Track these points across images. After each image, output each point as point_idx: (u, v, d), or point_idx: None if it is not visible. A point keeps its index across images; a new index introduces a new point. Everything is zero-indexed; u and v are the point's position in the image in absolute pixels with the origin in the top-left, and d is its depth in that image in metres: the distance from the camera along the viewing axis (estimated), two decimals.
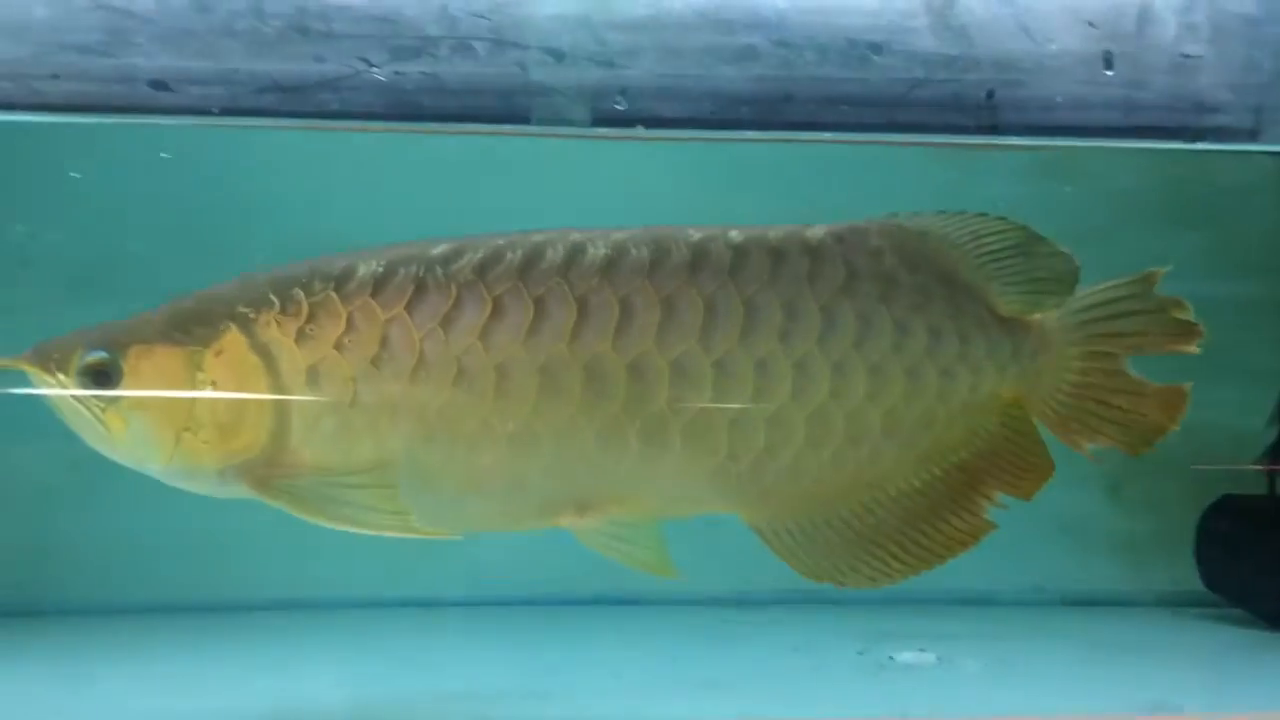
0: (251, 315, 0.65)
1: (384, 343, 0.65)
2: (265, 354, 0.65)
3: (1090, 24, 0.74)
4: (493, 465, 0.66)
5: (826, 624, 1.09)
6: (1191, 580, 1.13)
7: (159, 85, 0.68)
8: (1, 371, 0.66)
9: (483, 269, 0.65)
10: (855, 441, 0.68)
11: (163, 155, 0.84)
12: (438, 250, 0.66)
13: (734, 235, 0.67)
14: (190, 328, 0.65)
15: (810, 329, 0.66)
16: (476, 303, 0.65)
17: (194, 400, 0.65)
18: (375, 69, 0.69)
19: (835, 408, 0.67)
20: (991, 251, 0.69)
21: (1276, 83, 0.77)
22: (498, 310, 0.65)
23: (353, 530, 0.64)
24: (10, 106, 0.67)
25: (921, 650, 0.99)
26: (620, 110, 0.72)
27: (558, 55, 0.70)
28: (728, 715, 0.82)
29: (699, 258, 0.66)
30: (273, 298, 0.66)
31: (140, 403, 0.65)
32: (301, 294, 0.65)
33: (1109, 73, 0.75)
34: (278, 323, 0.65)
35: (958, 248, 0.69)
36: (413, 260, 0.66)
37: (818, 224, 0.68)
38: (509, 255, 0.65)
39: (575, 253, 0.66)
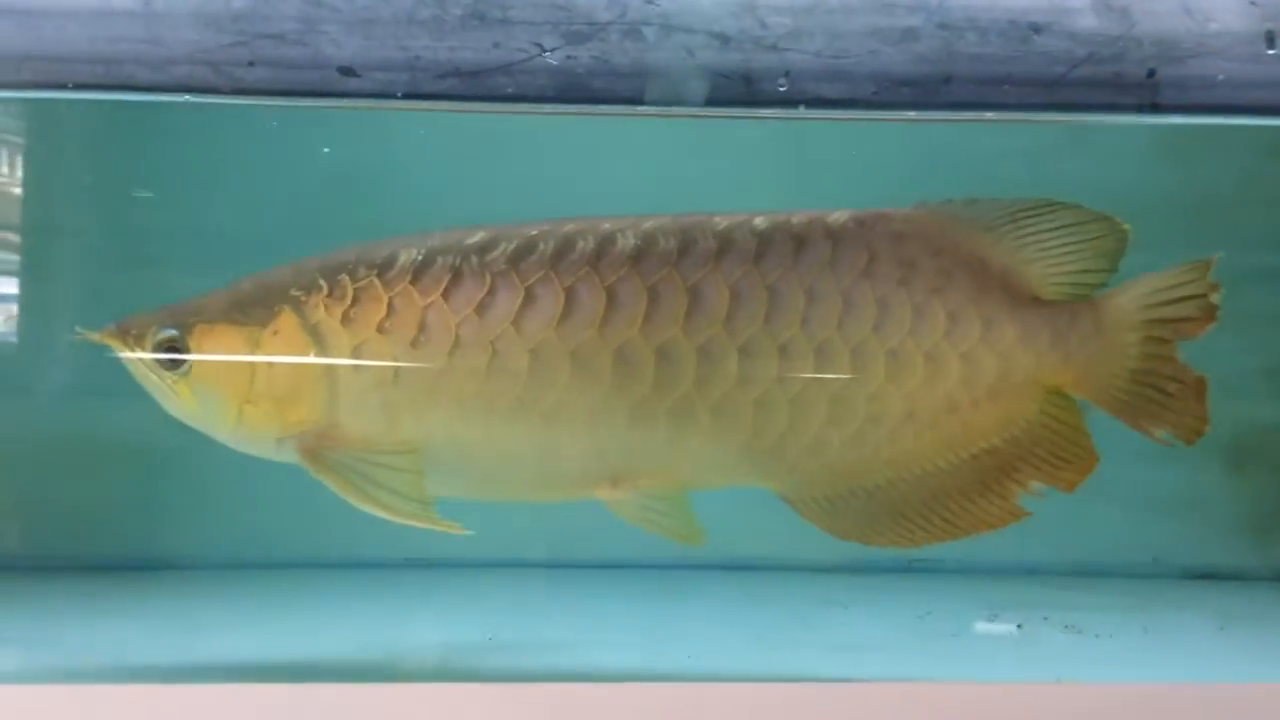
0: (303, 298, 0.71)
1: (422, 326, 0.69)
2: (315, 334, 0.71)
3: (1252, 3, 0.73)
4: (527, 441, 0.70)
5: (941, 592, 1.10)
6: None
7: (347, 71, 0.72)
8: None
9: (516, 258, 0.69)
10: (875, 421, 0.70)
11: (324, 150, 0.88)
12: (474, 240, 0.71)
13: (758, 223, 0.70)
14: (249, 309, 0.72)
15: (830, 313, 0.69)
16: (509, 290, 0.69)
17: (253, 375, 0.71)
18: (548, 54, 0.71)
19: (855, 389, 0.69)
20: (1034, 234, 0.70)
21: None
22: (530, 298, 0.69)
23: (376, 513, 0.69)
24: (211, 91, 0.72)
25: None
26: (782, 92, 0.74)
27: (723, 39, 0.72)
28: (872, 676, 0.84)
29: (724, 246, 0.69)
30: (322, 282, 0.71)
31: (205, 375, 0.71)
32: (347, 279, 0.71)
33: (1271, 51, 0.75)
34: (325, 306, 0.71)
35: (992, 231, 0.70)
36: (450, 249, 0.71)
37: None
38: (541, 245, 0.70)
39: (605, 243, 0.69)
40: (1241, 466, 1.14)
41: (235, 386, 0.71)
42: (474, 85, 0.72)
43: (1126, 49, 0.74)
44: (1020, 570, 1.15)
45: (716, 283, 0.68)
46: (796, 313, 0.68)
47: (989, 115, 0.76)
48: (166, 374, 0.71)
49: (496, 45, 0.72)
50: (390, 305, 0.70)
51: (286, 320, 0.71)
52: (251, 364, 0.71)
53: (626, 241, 0.70)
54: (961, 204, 0.70)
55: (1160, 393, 0.69)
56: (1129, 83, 0.75)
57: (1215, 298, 0.69)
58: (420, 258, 0.70)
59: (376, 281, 0.70)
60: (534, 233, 0.71)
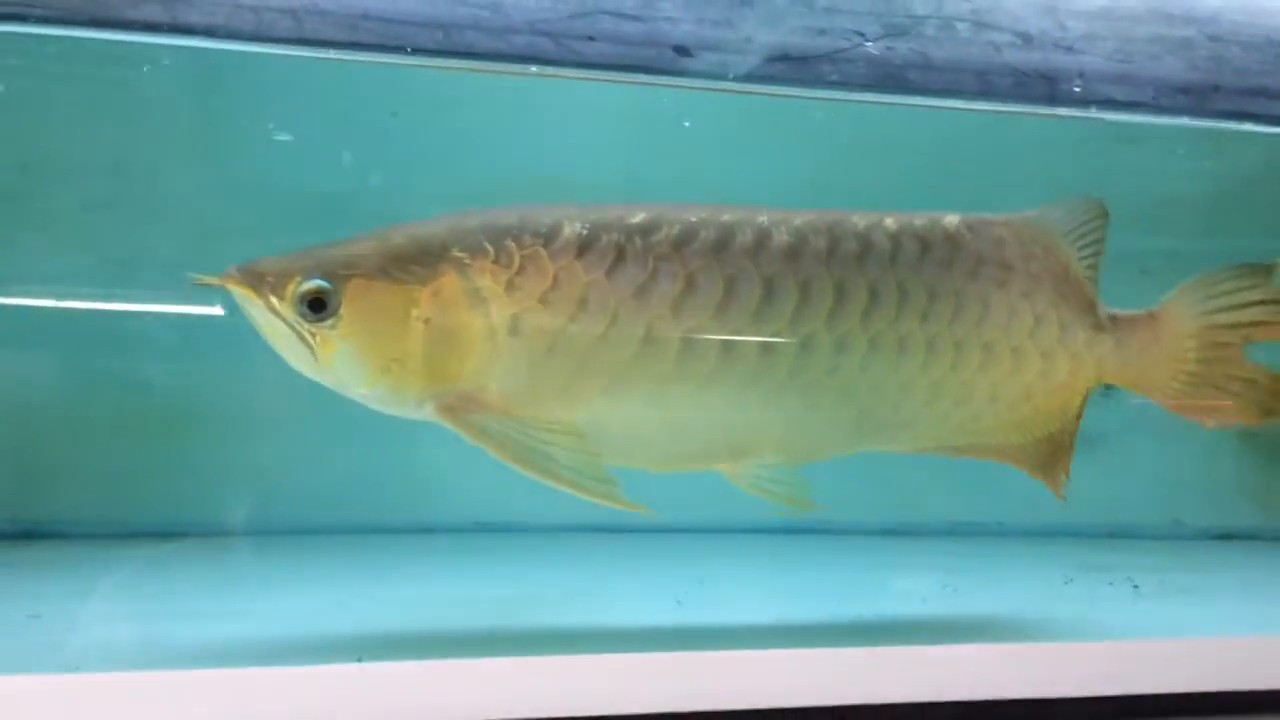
0: (467, 260, 0.69)
1: (583, 302, 0.69)
2: (476, 298, 0.69)
3: None
4: (663, 421, 0.72)
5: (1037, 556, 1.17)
6: None
7: (682, 51, 0.72)
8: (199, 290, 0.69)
9: (678, 244, 0.70)
10: (962, 403, 0.76)
11: (685, 124, 0.88)
12: (636, 220, 0.71)
13: (889, 224, 0.74)
14: (409, 266, 0.68)
15: (945, 311, 0.74)
16: (670, 277, 0.70)
17: (408, 334, 0.68)
18: (869, 44, 0.74)
19: (952, 377, 0.75)
20: (1093, 245, 0.77)
21: None
22: (690, 285, 0.70)
23: (550, 484, 0.69)
24: (548, 62, 0.71)
25: None
26: (1077, 92, 0.78)
27: (1026, 38, 0.76)
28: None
29: (864, 247, 0.73)
30: (487, 245, 0.69)
31: (355, 331, 0.67)
32: (514, 246, 0.69)
33: None
34: (491, 271, 0.69)
35: (1068, 240, 0.77)
36: (613, 227, 0.71)
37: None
38: (702, 234, 0.71)
39: (763, 237, 0.72)
40: (1250, 437, 1.28)
41: (388, 343, 0.68)
42: (800, 70, 0.74)
43: None
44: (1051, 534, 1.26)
45: (859, 283, 0.73)
46: (919, 311, 0.73)
47: (1246, 126, 0.82)
48: (309, 325, 0.67)
49: (821, 33, 0.74)
50: (555, 278, 0.69)
51: (449, 282, 0.68)
52: (408, 321, 0.68)
53: (781, 237, 0.72)
54: (1052, 208, 0.77)
55: (1221, 391, 0.76)
56: None
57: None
58: (585, 232, 0.70)
59: (543, 252, 0.69)
60: (694, 219, 0.71)
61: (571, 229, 0.70)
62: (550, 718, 0.66)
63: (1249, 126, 0.81)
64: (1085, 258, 0.77)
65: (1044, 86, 0.78)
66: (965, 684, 0.74)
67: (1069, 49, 0.77)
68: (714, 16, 0.72)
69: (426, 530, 1.14)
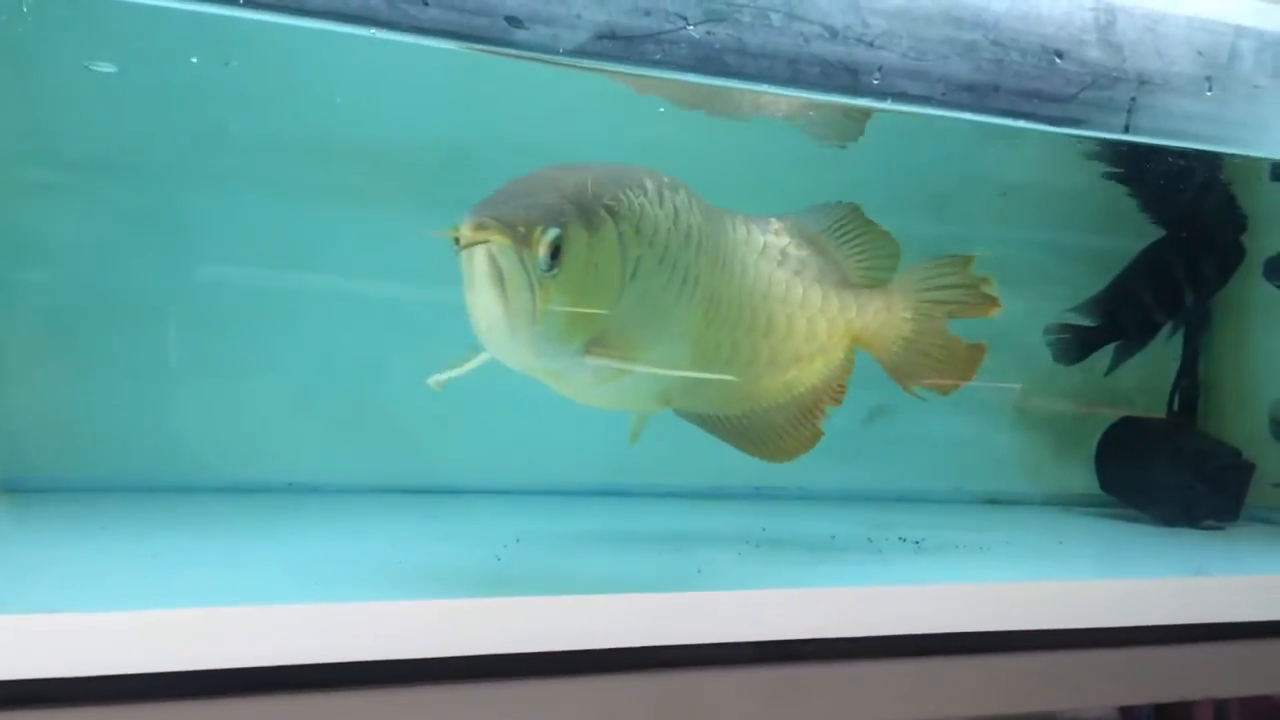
0: (616, 209, 0.74)
1: (667, 251, 0.78)
2: (623, 244, 0.75)
3: (1199, 52, 0.95)
4: (675, 361, 0.83)
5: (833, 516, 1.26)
6: (1078, 484, 1.43)
7: (514, 22, 0.75)
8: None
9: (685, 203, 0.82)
10: (751, 364, 0.90)
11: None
12: (654, 180, 0.80)
13: (740, 230, 0.90)
14: (590, 214, 0.72)
15: (748, 289, 0.88)
16: (698, 231, 0.83)
17: (598, 281, 0.72)
18: (690, 27, 0.79)
19: (746, 340, 0.89)
20: (846, 237, 0.93)
21: None
22: (702, 240, 0.82)
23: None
24: (381, 23, 0.72)
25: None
26: (876, 84, 0.85)
27: (832, 32, 0.83)
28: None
29: (733, 250, 0.88)
30: (621, 195, 0.75)
31: (569, 280, 0.69)
32: (632, 197, 0.76)
33: (1209, 93, 0.96)
34: (626, 218, 0.75)
35: (828, 233, 0.93)
36: (656, 184, 0.79)
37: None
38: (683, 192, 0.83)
39: (705, 237, 0.84)
40: (1022, 411, 1.47)
41: (588, 290, 0.71)
42: (626, 49, 0.78)
43: (1117, 79, 0.92)
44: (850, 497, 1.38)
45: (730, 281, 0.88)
46: (732, 283, 0.87)
47: (1020, 123, 0.91)
48: (541, 275, 0.67)
49: (646, 13, 0.78)
50: (656, 226, 0.77)
51: (610, 230, 0.73)
52: (595, 268, 0.71)
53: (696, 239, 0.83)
54: (816, 210, 0.94)
55: (925, 356, 0.93)
56: (1119, 107, 0.93)
57: (986, 289, 0.94)
58: (652, 186, 0.79)
59: (647, 202, 0.77)
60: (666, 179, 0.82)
61: (652, 182, 0.78)
62: (370, 660, 0.68)
63: (1022, 124, 0.90)
64: (843, 245, 0.94)
65: (847, 77, 0.84)
66: (767, 625, 0.80)
67: (870, 44, 0.84)
68: None
69: (244, 490, 1.13)
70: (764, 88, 0.83)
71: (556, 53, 0.77)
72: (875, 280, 0.94)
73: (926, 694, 0.87)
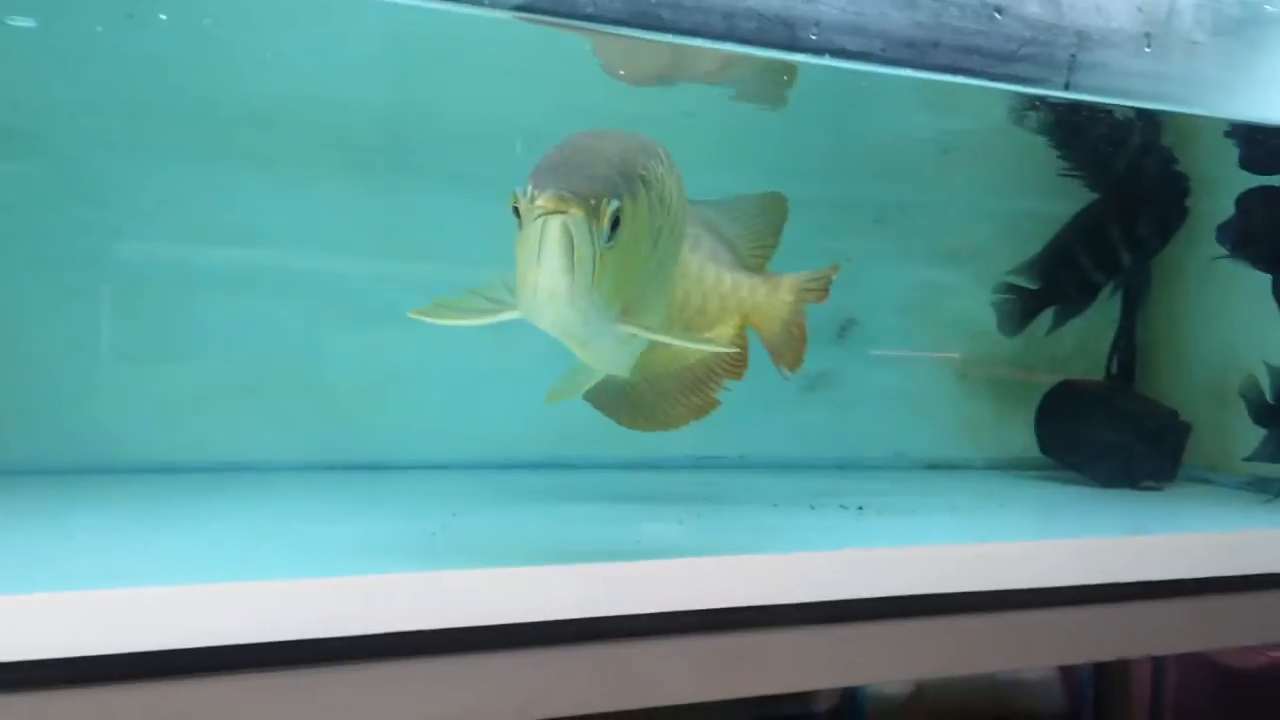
0: (649, 178, 0.75)
1: (670, 218, 0.80)
2: (654, 214, 0.77)
3: (1139, 9, 0.94)
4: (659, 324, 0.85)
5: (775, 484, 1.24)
6: (1018, 448, 1.44)
7: None
8: None
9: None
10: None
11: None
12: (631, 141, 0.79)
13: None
14: (633, 186, 0.72)
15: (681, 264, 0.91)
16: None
17: (638, 252, 0.74)
18: None
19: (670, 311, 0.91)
20: (745, 225, 0.98)
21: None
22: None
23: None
24: None
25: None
26: (813, 40, 0.83)
27: None
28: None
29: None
30: (647, 165, 0.76)
31: (623, 251, 0.71)
32: (650, 168, 0.76)
33: (1147, 50, 0.95)
34: (651, 188, 0.76)
35: (730, 222, 0.97)
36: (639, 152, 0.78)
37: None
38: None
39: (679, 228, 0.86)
40: (964, 377, 1.47)
41: (634, 262, 0.73)
42: (562, 4, 0.75)
43: (1057, 35, 0.91)
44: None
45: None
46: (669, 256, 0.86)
47: (960, 79, 0.89)
48: (604, 246, 0.69)
49: None
50: (662, 195, 0.77)
51: (644, 199, 0.73)
52: (638, 239, 0.72)
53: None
54: (721, 201, 0.97)
55: (791, 339, 0.99)
56: (1058, 63, 0.92)
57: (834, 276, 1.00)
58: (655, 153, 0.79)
59: (660, 169, 0.78)
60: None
61: (662, 151, 0.79)
62: (293, 639, 0.65)
63: (962, 80, 0.89)
64: (755, 236, 0.99)
65: (784, 32, 0.82)
66: (708, 594, 0.78)
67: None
68: None
69: (167, 470, 1.09)
70: (699, 42, 0.80)
71: (485, 5, 0.74)
72: (760, 265, 0.99)
73: (869, 658, 0.87)
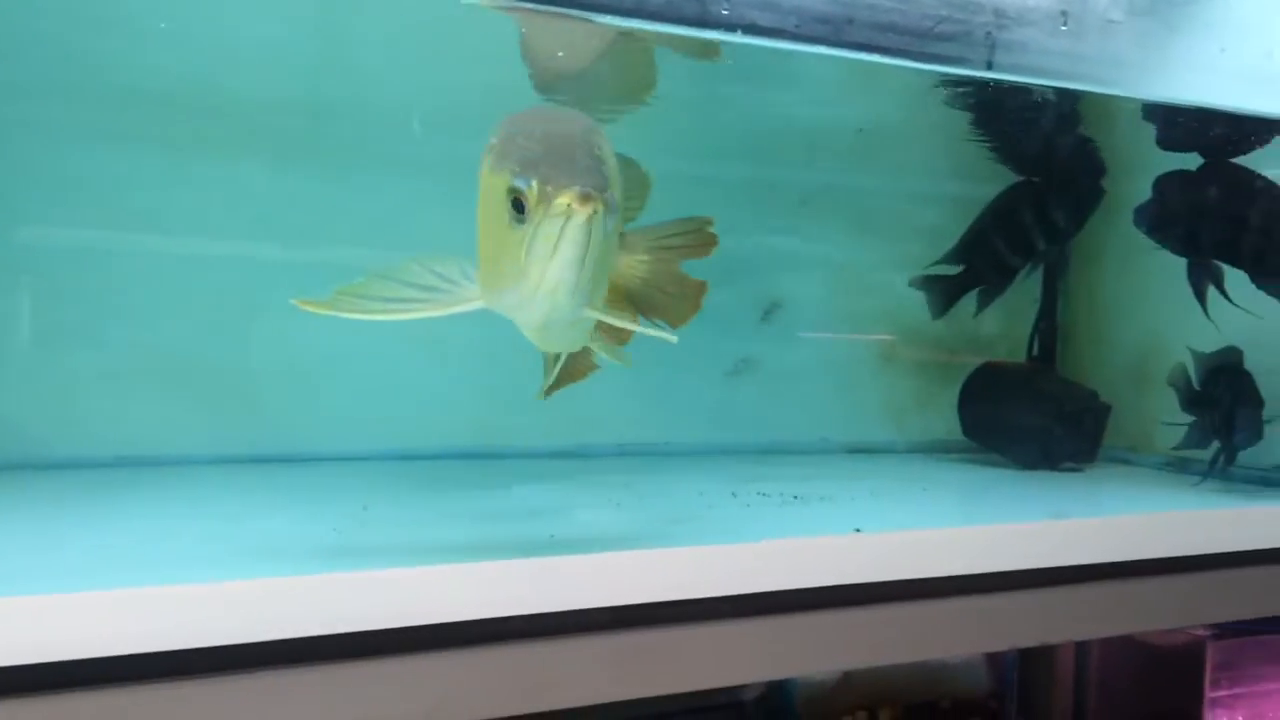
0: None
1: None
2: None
3: None
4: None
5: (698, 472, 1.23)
6: (941, 431, 1.44)
7: None
8: None
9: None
10: None
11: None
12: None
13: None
14: (605, 180, 0.69)
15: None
16: None
17: (613, 237, 0.73)
18: None
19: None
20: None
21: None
22: None
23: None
24: None
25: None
26: (725, 15, 0.81)
27: None
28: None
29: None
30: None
31: (608, 241, 0.70)
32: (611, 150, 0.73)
33: (1064, 27, 0.94)
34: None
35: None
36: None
37: None
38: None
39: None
40: (888, 359, 1.47)
41: (611, 249, 0.72)
42: None
43: (974, 13, 0.90)
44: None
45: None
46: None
47: (875, 58, 0.87)
48: (607, 237, 0.68)
49: None
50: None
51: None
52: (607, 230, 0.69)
53: None
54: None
55: (660, 292, 0.90)
56: (976, 42, 0.91)
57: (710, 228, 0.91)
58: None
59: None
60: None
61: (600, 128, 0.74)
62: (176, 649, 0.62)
63: (880, 59, 0.87)
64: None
65: (695, 7, 0.79)
66: (622, 589, 0.76)
67: None
68: None
69: (68, 466, 1.04)
70: (606, 19, 0.77)
71: None
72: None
73: (791, 650, 0.85)
